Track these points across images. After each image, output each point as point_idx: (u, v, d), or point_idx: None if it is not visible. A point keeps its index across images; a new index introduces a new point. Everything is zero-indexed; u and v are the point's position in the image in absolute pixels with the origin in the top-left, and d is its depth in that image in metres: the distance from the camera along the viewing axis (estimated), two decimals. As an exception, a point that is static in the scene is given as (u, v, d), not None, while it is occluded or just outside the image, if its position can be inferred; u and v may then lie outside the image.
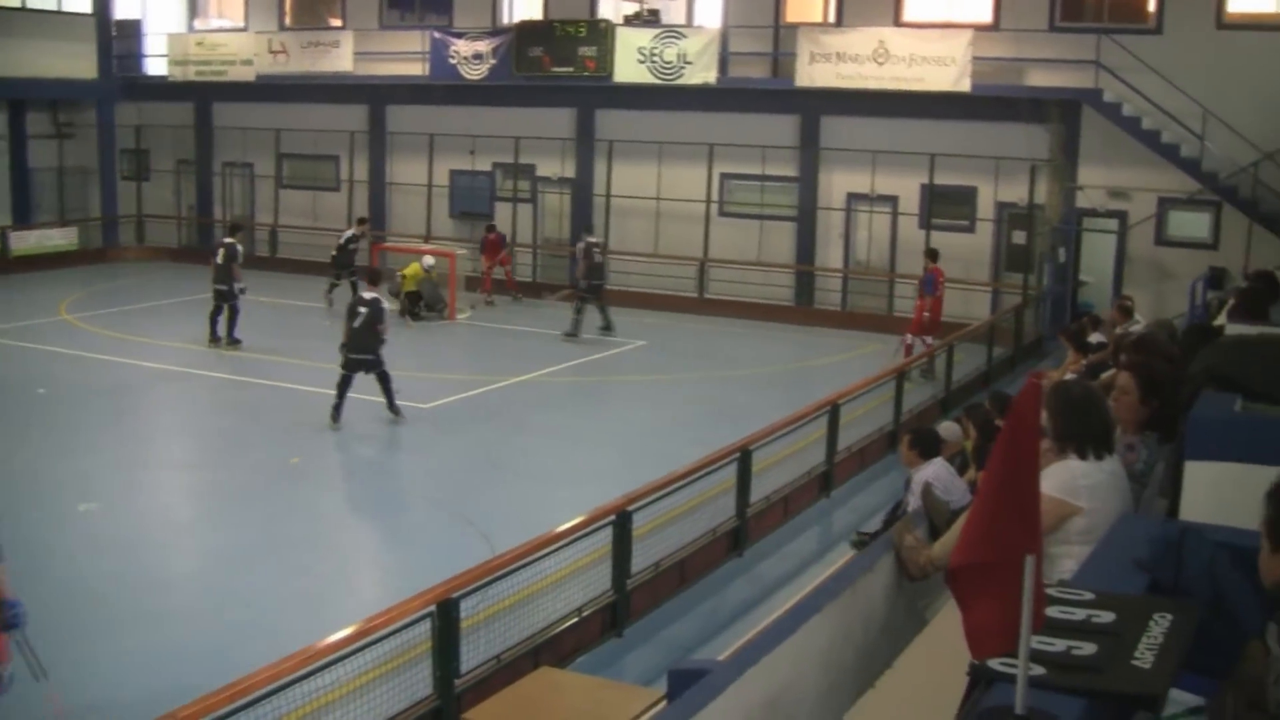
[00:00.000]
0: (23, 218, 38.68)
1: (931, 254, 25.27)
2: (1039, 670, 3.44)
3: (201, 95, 40.00)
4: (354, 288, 27.15)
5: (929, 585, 7.93)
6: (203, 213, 40.97)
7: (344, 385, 20.45)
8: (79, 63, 39.14)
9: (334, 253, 30.27)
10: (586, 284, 28.45)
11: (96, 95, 39.97)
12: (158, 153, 41.54)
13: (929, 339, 24.16)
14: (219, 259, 26.12)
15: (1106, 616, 3.93)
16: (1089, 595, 4.11)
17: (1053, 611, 3.85)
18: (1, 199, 38.51)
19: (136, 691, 10.94)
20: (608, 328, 28.60)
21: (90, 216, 40.50)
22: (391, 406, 20.65)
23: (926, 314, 24.66)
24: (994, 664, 3.55)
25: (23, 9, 37.71)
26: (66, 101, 40.16)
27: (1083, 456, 6.24)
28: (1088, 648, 3.69)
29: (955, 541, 7.49)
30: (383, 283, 22.93)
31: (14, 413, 20.93)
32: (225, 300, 25.96)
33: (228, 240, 26.71)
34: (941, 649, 5.90)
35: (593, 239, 29.18)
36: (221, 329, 26.14)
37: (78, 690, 11.13)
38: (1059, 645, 3.69)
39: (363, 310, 20.48)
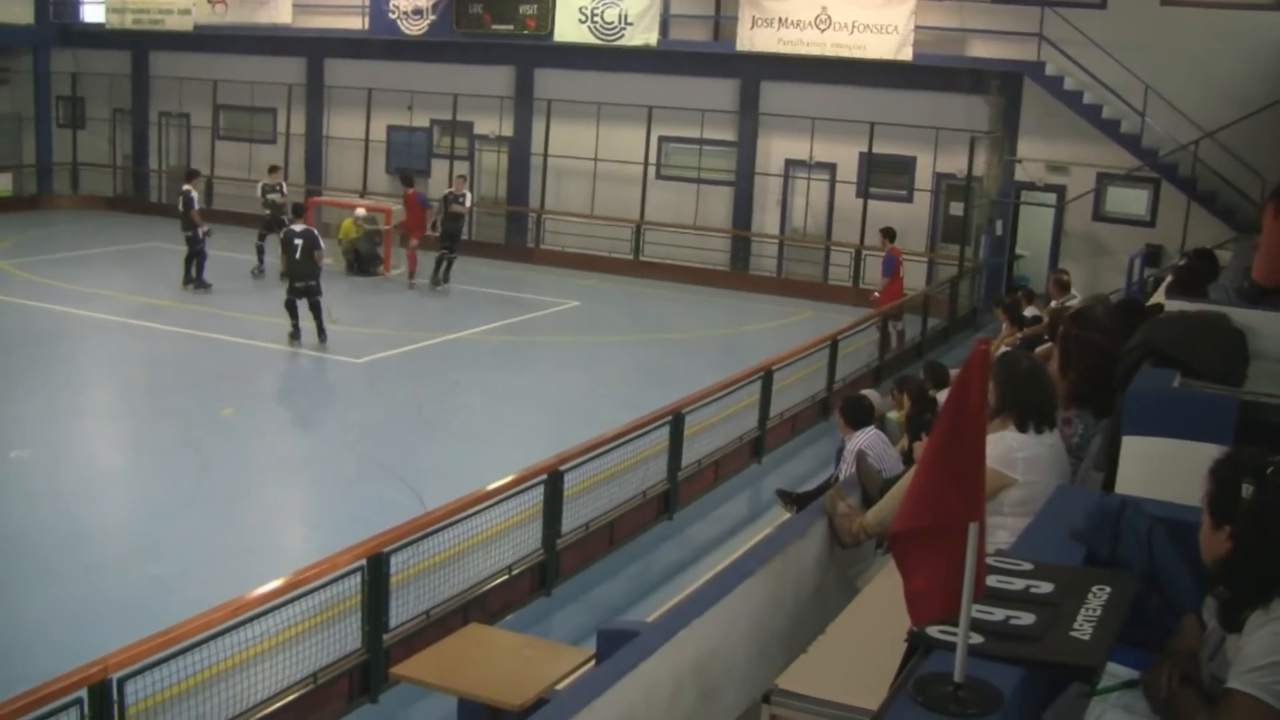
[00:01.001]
0: (-43, 163, 38.18)
1: (889, 234, 24.72)
2: (978, 639, 3.44)
3: (138, 44, 39.40)
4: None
5: (860, 553, 7.95)
6: (138, 163, 40.46)
7: (292, 308, 22.14)
8: (15, 8, 38.56)
9: (268, 211, 29.32)
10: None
11: (32, 41, 39.44)
12: (93, 101, 40.88)
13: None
14: (180, 206, 27.05)
15: (1045, 587, 3.93)
16: (1027, 565, 4.12)
17: (991, 581, 3.84)
18: (-65, 143, 37.98)
19: (65, 638, 10.78)
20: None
21: (25, 163, 40.03)
22: (321, 333, 22.16)
23: (876, 294, 24.29)
24: (933, 631, 3.55)
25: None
26: (2, 47, 39.50)
27: (1022, 429, 6.25)
28: (1026, 617, 3.69)
29: (888, 510, 7.58)
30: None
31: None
32: (190, 245, 26.69)
33: (184, 187, 27.41)
34: (874, 616, 5.92)
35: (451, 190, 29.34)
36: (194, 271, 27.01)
37: (6, 636, 11.05)
38: (998, 614, 3.68)
39: (298, 241, 21.96)
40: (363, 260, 29.81)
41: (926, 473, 3.33)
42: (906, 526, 3.37)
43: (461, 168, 33.90)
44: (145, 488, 15.69)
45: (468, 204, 28.97)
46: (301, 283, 22.02)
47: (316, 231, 22.48)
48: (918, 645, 3.65)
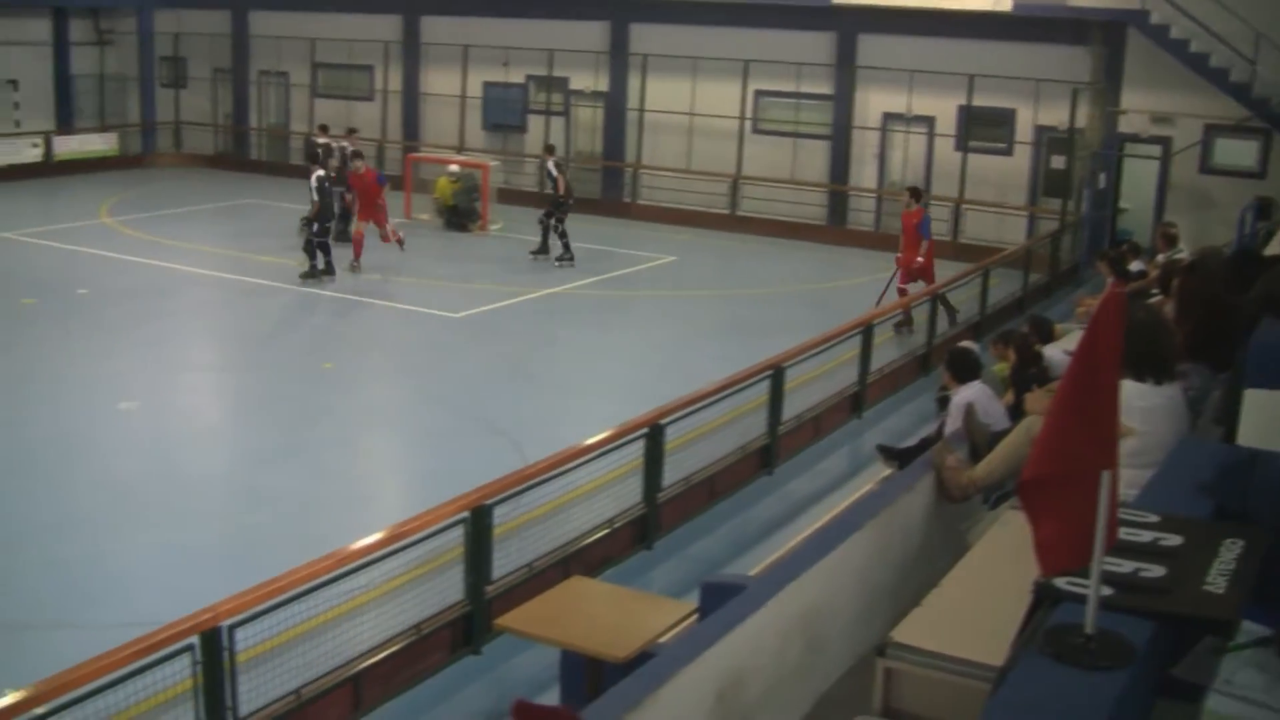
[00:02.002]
0: (65, 123, 38.89)
1: (916, 193, 23.16)
2: (1107, 590, 3.35)
3: (238, 4, 39.77)
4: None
5: (968, 508, 7.86)
6: (238, 121, 40.80)
7: (312, 249, 23.64)
8: (120, -30, 39.23)
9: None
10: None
11: (136, 4, 39.91)
12: (195, 61, 41.30)
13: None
14: (336, 162, 27.57)
15: (1174, 539, 3.84)
16: (1154, 517, 4.01)
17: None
18: (45, 104, 38.61)
19: (169, 584, 11.01)
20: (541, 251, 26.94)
21: (129, 122, 40.59)
22: (330, 269, 23.68)
23: (899, 255, 22.59)
24: (1060, 583, 3.47)
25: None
26: (107, 9, 40.10)
27: (1139, 379, 6.12)
28: (1156, 570, 3.61)
29: (997, 463, 7.45)
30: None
31: (57, 312, 21.08)
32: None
33: (342, 144, 28.56)
34: (989, 570, 5.82)
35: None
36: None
37: (115, 580, 11.27)
38: (1126, 566, 3.60)
39: (328, 185, 23.73)
40: (460, 216, 29.91)
41: (1057, 419, 3.25)
42: (1036, 474, 3.29)
43: (557, 124, 34.02)
44: (246, 438, 15.92)
45: (555, 171, 27.02)
46: (330, 224, 23.91)
47: None
48: (1044, 597, 3.56)
